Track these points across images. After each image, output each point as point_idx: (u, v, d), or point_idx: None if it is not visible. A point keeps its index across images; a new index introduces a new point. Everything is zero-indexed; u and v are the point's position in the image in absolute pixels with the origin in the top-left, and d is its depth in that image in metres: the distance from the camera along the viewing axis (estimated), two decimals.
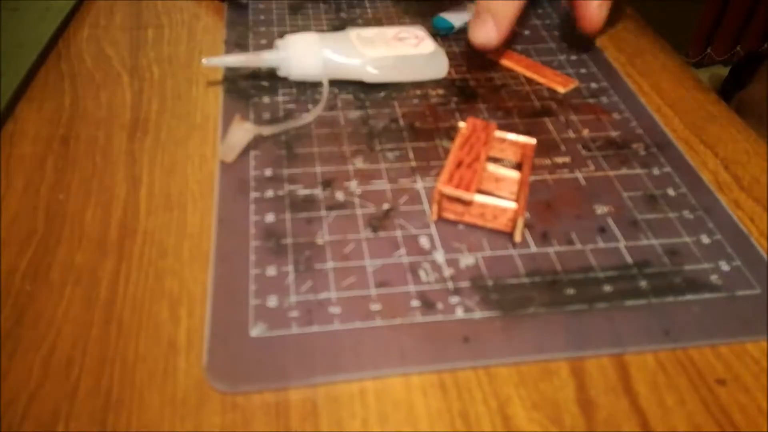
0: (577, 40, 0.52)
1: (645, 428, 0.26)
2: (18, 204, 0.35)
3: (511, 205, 0.33)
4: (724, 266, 0.33)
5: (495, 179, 0.37)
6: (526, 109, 0.44)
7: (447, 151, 0.40)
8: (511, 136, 0.38)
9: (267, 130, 0.39)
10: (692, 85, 0.49)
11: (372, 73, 0.44)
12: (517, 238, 0.34)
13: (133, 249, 0.33)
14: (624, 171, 0.39)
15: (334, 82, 0.45)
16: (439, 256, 0.33)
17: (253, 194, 0.36)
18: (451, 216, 0.35)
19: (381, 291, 0.31)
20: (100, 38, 0.50)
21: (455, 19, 0.53)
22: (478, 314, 0.30)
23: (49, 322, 0.29)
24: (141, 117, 0.42)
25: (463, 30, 0.53)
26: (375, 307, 0.30)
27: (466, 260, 0.33)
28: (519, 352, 0.29)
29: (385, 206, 0.36)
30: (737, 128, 0.44)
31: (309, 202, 0.36)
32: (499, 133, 0.38)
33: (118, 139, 0.40)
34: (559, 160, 0.40)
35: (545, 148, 0.41)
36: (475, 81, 0.47)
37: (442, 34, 0.52)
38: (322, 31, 0.52)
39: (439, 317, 0.30)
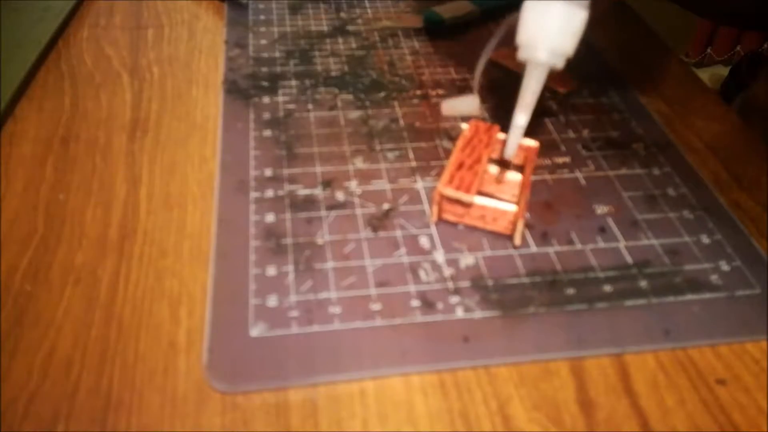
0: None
1: (645, 428, 0.26)
2: (18, 204, 0.35)
3: (512, 207, 0.33)
4: (724, 266, 0.33)
5: (496, 181, 0.37)
6: None
7: (447, 152, 0.40)
8: None
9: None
10: (692, 85, 0.49)
11: None
12: (517, 241, 0.33)
13: (133, 249, 0.33)
14: (624, 171, 0.39)
15: (334, 83, 0.45)
16: (439, 256, 0.33)
17: (253, 194, 0.36)
18: (451, 218, 0.35)
19: (381, 291, 0.31)
20: (100, 38, 0.50)
21: (446, 13, 0.53)
22: (478, 314, 0.30)
23: (49, 322, 0.29)
24: (141, 117, 0.42)
25: (457, 26, 0.53)
26: (375, 306, 0.30)
27: (466, 260, 0.33)
28: (519, 352, 0.29)
29: (385, 206, 0.36)
30: (737, 128, 0.44)
31: (309, 202, 0.36)
32: (502, 135, 0.38)
33: (118, 139, 0.40)
34: (559, 160, 0.40)
35: (545, 148, 0.41)
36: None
37: (432, 28, 0.53)
38: (321, 31, 0.52)
39: (439, 317, 0.30)
